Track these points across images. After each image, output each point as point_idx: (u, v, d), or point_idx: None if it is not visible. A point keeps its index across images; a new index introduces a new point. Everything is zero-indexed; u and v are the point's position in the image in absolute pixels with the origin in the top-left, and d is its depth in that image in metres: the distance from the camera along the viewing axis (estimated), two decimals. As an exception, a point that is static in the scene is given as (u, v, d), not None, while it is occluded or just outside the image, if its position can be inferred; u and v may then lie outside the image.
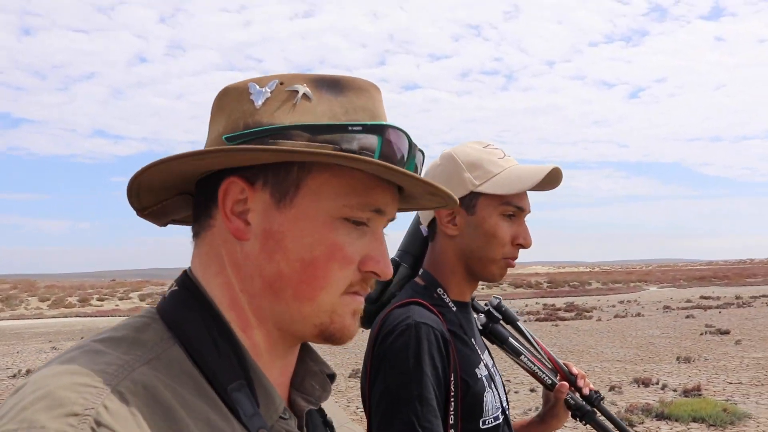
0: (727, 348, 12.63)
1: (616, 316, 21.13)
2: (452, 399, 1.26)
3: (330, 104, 0.70)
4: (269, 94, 0.70)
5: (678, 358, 11.30)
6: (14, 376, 11.89)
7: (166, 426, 0.58)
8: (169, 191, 0.75)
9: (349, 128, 0.68)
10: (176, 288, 0.72)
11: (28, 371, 12.06)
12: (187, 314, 0.69)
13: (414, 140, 0.72)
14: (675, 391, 8.56)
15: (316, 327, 0.70)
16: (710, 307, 23.57)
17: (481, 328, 1.49)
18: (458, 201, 0.63)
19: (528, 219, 1.42)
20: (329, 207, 0.69)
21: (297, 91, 0.69)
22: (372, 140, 0.68)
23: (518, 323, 1.55)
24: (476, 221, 1.36)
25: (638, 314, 21.63)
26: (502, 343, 1.50)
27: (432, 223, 1.41)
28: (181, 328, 0.68)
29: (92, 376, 0.58)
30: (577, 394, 1.53)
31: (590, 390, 1.55)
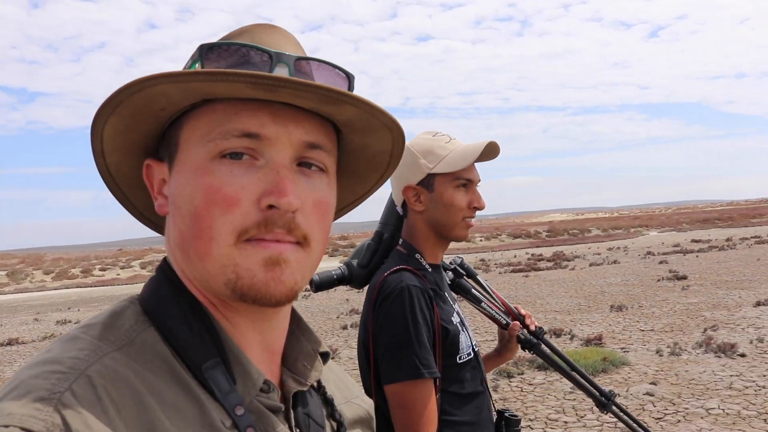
0: (669, 294, 12.79)
1: (591, 264, 21.29)
2: (436, 342, 1.58)
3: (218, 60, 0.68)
4: (188, 62, 0.71)
5: (611, 307, 11.51)
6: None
7: (134, 411, 0.58)
8: (134, 154, 0.75)
9: (185, 68, 0.69)
10: (155, 273, 0.73)
11: (-2, 344, 12.62)
12: (160, 296, 0.69)
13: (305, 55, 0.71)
14: (581, 341, 8.81)
15: (227, 287, 0.65)
16: (691, 251, 23.59)
17: (449, 283, 1.83)
18: (368, 102, 0.66)
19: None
20: (199, 150, 0.66)
21: (194, 54, 0.69)
22: (198, 64, 0.68)
23: (477, 277, 1.91)
24: (436, 196, 1.69)
25: (614, 261, 21.75)
26: (466, 294, 1.86)
27: (404, 204, 1.74)
28: (155, 310, 0.68)
29: (62, 363, 0.59)
30: (525, 331, 1.89)
31: (535, 327, 1.92)
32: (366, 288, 1.75)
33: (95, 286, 30.20)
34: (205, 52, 0.67)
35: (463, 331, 1.68)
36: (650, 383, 6.46)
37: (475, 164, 1.72)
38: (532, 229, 48.53)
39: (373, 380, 1.61)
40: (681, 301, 11.71)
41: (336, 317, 12.89)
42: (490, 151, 1.68)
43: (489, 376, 6.45)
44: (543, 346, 1.92)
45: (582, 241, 38.96)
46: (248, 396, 0.67)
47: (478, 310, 1.85)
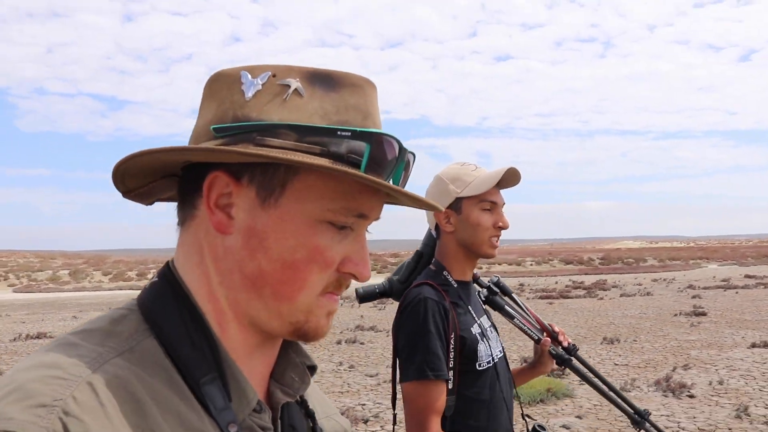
0: (674, 330, 12.49)
1: (622, 295, 20.83)
2: (452, 349, 1.76)
3: (321, 101, 0.68)
4: (260, 87, 0.68)
5: (604, 339, 11.36)
6: (14, 340, 13.36)
7: (135, 418, 0.58)
8: (155, 175, 0.75)
9: (338, 132, 0.67)
10: (156, 279, 0.72)
11: (28, 336, 13.57)
12: (163, 306, 0.69)
13: (404, 145, 0.72)
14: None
15: (291, 325, 0.70)
16: (736, 287, 22.70)
17: (483, 299, 2.02)
18: (441, 208, 0.77)
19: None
20: (313, 210, 0.68)
21: (289, 86, 0.68)
22: (361, 146, 0.67)
23: (512, 295, 2.08)
24: (464, 218, 1.88)
25: (648, 293, 21.20)
26: (499, 310, 2.02)
27: (437, 227, 1.95)
28: (157, 320, 0.68)
29: (63, 368, 0.58)
30: (559, 347, 2.02)
31: (568, 343, 2.03)
32: None
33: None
34: (375, 143, 0.68)
35: (483, 341, 1.83)
36: (576, 416, 6.49)
37: (502, 190, 1.93)
38: (586, 255, 47.47)
39: (393, 378, 1.87)
40: (680, 338, 11.44)
41: (340, 332, 13.17)
42: (512, 177, 1.88)
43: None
44: (575, 361, 2.02)
45: (633, 271, 37.95)
46: (242, 414, 0.68)
47: (512, 324, 2.01)
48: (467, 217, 1.86)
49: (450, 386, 1.74)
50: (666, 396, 7.23)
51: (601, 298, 20.13)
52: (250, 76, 0.69)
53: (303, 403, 0.81)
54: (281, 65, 0.70)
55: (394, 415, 1.92)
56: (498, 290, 2.03)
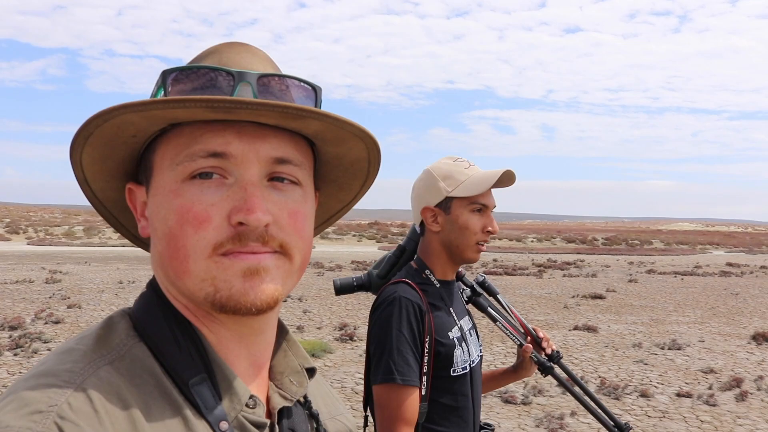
0: (548, 310, 12.88)
1: (564, 276, 21.01)
2: (426, 353, 1.66)
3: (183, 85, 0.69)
4: (153, 88, 0.71)
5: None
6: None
7: (124, 424, 0.59)
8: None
9: (152, 94, 0.70)
10: (145, 289, 0.74)
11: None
12: (149, 312, 0.70)
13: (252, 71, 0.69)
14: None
15: (206, 300, 0.67)
16: (705, 275, 22.51)
17: (466, 299, 1.92)
18: (330, 114, 0.67)
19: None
20: (170, 174, 0.67)
21: (158, 80, 0.70)
22: (161, 93, 0.69)
23: (498, 296, 1.95)
24: (452, 218, 1.76)
25: (593, 275, 21.31)
26: (483, 311, 1.93)
27: (422, 223, 1.83)
28: (145, 326, 0.69)
29: (58, 376, 0.60)
30: (542, 354, 1.94)
31: (552, 350, 1.95)
32: None
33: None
34: (169, 78, 0.68)
35: (460, 346, 1.72)
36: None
37: (492, 190, 1.81)
38: (590, 235, 46.92)
39: (365, 378, 1.76)
40: (537, 318, 11.87)
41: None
42: (506, 179, 1.76)
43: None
44: (558, 369, 1.95)
45: (635, 253, 37.48)
46: (233, 411, 0.68)
47: (496, 326, 1.93)
48: (456, 219, 1.76)
49: (423, 392, 1.65)
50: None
51: (551, 277, 20.44)
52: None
53: (306, 405, 0.80)
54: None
55: (365, 417, 1.80)
56: (483, 291, 1.94)
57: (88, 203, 0.78)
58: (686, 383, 7.37)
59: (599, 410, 1.99)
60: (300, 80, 0.71)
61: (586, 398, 2.01)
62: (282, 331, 0.80)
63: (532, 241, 42.52)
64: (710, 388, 7.13)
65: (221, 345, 0.71)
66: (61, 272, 18.23)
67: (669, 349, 9.25)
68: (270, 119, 0.66)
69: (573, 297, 14.96)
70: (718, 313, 13.03)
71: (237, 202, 0.66)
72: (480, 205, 1.75)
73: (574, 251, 37.55)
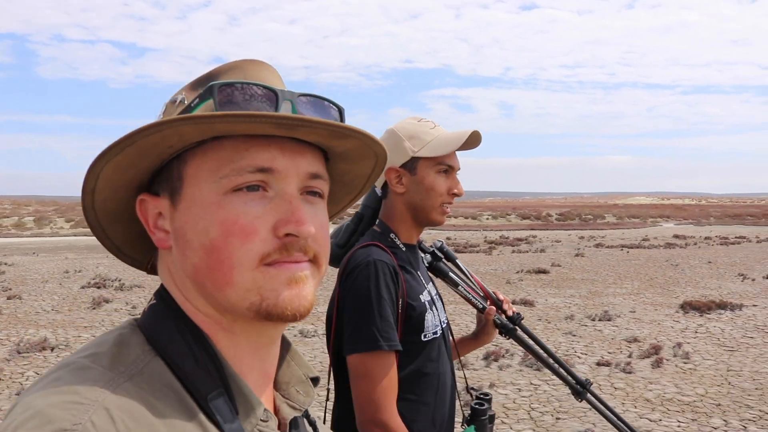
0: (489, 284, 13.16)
1: (514, 252, 21.43)
2: (400, 316, 1.62)
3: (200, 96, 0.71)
4: (161, 115, 0.74)
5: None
6: None
7: None
8: (128, 222, 0.77)
9: (192, 105, 0.71)
10: (155, 301, 0.74)
11: None
12: (163, 326, 0.70)
13: (292, 89, 0.72)
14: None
15: (250, 310, 0.68)
16: (641, 247, 23.19)
17: (427, 265, 1.89)
18: (371, 136, 0.73)
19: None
20: (210, 186, 0.68)
21: (176, 101, 0.73)
22: (209, 105, 0.69)
23: (456, 261, 1.94)
24: (418, 179, 1.73)
25: (541, 250, 21.79)
26: (444, 276, 1.88)
27: (384, 185, 1.79)
28: (160, 340, 0.69)
29: (79, 394, 0.60)
30: (503, 316, 1.92)
31: (513, 312, 1.94)
32: None
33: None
34: (218, 91, 0.69)
35: (431, 310, 1.71)
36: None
37: (457, 153, 1.78)
38: (543, 211, 47.74)
39: (330, 352, 1.70)
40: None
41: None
42: (472, 141, 1.73)
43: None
44: (520, 331, 1.94)
45: (588, 228, 38.31)
46: (249, 425, 0.69)
47: (456, 292, 1.88)
48: (422, 179, 1.73)
49: None
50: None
51: (500, 253, 20.82)
52: (160, 114, 0.74)
53: (306, 413, 0.81)
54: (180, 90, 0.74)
55: (328, 390, 1.74)
56: (442, 256, 1.93)
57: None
58: (609, 352, 7.69)
59: (561, 369, 2.01)
60: (329, 101, 0.75)
61: (548, 358, 2.05)
62: (284, 341, 0.81)
63: (487, 219, 43.05)
64: (630, 356, 7.46)
65: (237, 357, 0.72)
66: (6, 264, 17.87)
67: (600, 320, 9.59)
68: (318, 137, 0.71)
69: (517, 272, 15.30)
70: (655, 284, 13.50)
71: (284, 215, 0.68)
72: (446, 166, 1.73)
73: (528, 227, 38.28)
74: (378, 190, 1.81)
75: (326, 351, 1.91)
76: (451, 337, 1.89)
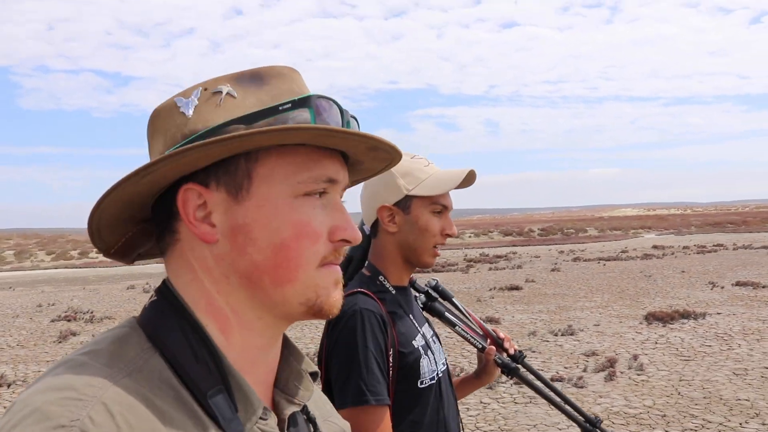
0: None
1: (490, 269, 21.51)
2: (390, 367, 1.56)
3: (256, 95, 0.73)
4: (197, 102, 0.73)
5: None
6: None
7: None
8: (129, 224, 0.77)
9: (280, 108, 0.72)
10: (155, 298, 0.74)
11: None
12: (165, 323, 0.71)
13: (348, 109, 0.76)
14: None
15: (303, 305, 0.73)
16: (618, 259, 23.34)
17: (422, 305, 1.82)
18: (402, 154, 0.79)
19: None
20: (285, 188, 0.71)
21: (221, 92, 0.72)
22: (305, 113, 0.72)
23: (453, 299, 1.87)
24: (412, 219, 1.66)
25: (518, 266, 21.88)
26: (439, 317, 1.83)
27: (375, 223, 1.71)
28: (160, 337, 0.69)
29: (77, 390, 0.60)
30: (505, 354, 1.87)
31: (515, 350, 1.89)
32: None
33: (80, 267, 32.56)
34: (318, 104, 0.74)
35: (426, 355, 1.64)
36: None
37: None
38: (526, 227, 47.93)
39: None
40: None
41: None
42: (469, 179, 1.70)
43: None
44: (523, 370, 1.89)
45: (570, 242, 38.49)
46: (249, 423, 0.69)
47: (454, 332, 1.84)
48: (416, 219, 1.66)
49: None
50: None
51: (477, 271, 20.88)
52: (184, 98, 0.74)
53: (304, 409, 0.82)
54: (209, 79, 0.75)
55: None
56: (437, 295, 1.86)
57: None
58: (565, 367, 7.74)
59: (568, 407, 1.95)
60: (352, 114, 0.80)
61: (555, 396, 1.96)
62: (283, 338, 0.83)
63: (469, 236, 43.21)
64: (585, 370, 7.52)
65: (245, 353, 0.74)
66: (-21, 300, 17.75)
67: (562, 335, 9.64)
68: (357, 150, 0.78)
69: (490, 290, 15.34)
70: (625, 296, 13.59)
71: (339, 222, 0.74)
72: (441, 206, 1.68)
73: (510, 244, 38.36)
74: (366, 228, 1.75)
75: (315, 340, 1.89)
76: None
